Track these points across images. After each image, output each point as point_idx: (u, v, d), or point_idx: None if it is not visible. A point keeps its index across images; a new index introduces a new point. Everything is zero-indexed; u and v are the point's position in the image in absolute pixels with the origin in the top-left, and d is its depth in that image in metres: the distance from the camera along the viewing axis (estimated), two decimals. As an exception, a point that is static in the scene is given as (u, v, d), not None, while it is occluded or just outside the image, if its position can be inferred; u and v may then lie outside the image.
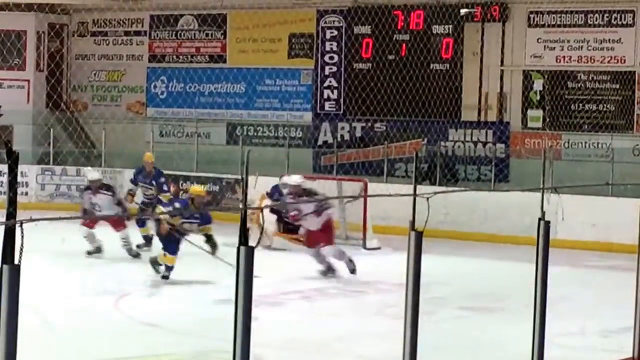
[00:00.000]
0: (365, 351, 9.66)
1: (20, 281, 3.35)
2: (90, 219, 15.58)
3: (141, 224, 16.37)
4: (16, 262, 3.31)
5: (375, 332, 10.32)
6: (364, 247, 17.06)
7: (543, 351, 5.88)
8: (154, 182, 16.59)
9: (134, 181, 17.03)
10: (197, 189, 14.67)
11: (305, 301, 12.54)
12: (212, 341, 9.49)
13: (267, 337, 8.55)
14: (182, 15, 24.69)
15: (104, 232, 15.21)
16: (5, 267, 3.29)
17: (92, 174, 16.38)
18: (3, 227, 3.37)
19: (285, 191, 16.05)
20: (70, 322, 10.59)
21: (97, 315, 11.00)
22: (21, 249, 3.30)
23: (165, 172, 21.63)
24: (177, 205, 14.45)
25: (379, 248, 17.07)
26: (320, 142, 23.01)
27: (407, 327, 5.12)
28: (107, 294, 12.21)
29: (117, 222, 15.23)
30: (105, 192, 15.71)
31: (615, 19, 20.78)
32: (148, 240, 15.93)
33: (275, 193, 16.91)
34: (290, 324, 10.94)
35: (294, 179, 15.17)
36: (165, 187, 16.65)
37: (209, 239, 13.45)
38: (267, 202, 16.60)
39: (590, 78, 21.21)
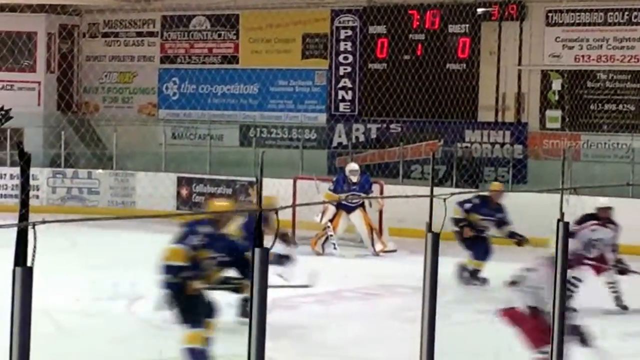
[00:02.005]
0: (381, 355, 9.59)
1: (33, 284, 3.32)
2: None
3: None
4: (29, 264, 3.26)
5: (391, 335, 10.25)
6: (373, 252, 16.85)
7: (562, 355, 5.72)
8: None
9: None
10: (496, 184, 14.78)
11: (320, 304, 12.43)
12: (226, 345, 9.37)
13: (282, 341, 8.44)
14: (194, 16, 24.55)
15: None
16: (18, 270, 3.25)
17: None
18: (15, 229, 3.30)
19: (354, 179, 16.81)
20: (84, 325, 10.57)
21: (111, 319, 10.96)
22: (34, 251, 3.25)
23: (177, 174, 21.63)
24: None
25: (395, 250, 16.93)
26: (334, 144, 22.86)
27: (424, 331, 5.01)
28: (120, 297, 12.14)
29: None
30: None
31: (636, 17, 20.55)
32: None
33: (339, 185, 16.91)
34: (305, 328, 10.86)
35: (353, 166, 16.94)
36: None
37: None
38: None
39: (610, 77, 21.02)
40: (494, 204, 14.15)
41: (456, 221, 13.81)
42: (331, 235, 16.67)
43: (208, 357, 8.64)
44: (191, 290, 8.58)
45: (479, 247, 13.97)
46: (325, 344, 10.05)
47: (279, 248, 10.62)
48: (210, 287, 8.69)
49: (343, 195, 16.67)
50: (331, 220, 16.77)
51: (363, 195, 16.79)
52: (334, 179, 17.41)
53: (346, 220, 16.89)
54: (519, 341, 9.67)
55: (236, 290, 9.11)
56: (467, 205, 14.00)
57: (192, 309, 8.61)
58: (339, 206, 16.83)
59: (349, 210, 16.92)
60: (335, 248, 16.50)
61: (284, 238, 11.90)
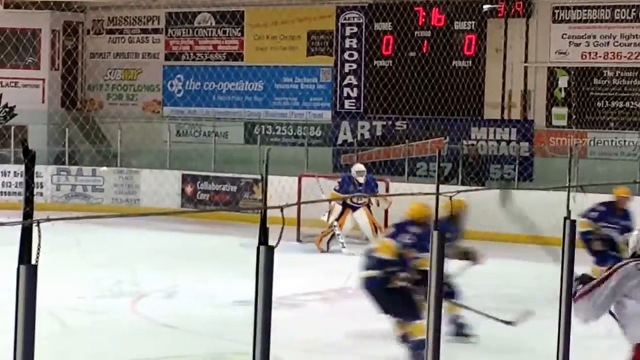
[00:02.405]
0: (387, 353, 9.53)
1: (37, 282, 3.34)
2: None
3: None
4: (33, 262, 3.27)
5: (391, 331, 10.08)
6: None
7: (569, 353, 5.69)
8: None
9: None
10: (622, 190, 13.30)
11: (325, 302, 12.41)
12: (230, 343, 9.42)
13: (286, 339, 8.42)
14: (198, 13, 24.49)
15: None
16: (22, 267, 3.27)
17: None
18: (19, 227, 3.31)
19: (361, 180, 16.72)
20: (87, 323, 10.52)
21: (114, 317, 10.90)
22: (38, 249, 3.28)
23: (182, 172, 21.58)
24: None
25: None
26: (340, 141, 22.79)
27: (430, 328, 4.96)
28: (123, 295, 12.11)
29: None
30: None
31: (643, 13, 20.48)
32: None
33: (344, 185, 16.84)
34: (309, 326, 10.81)
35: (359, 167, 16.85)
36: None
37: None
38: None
39: (616, 74, 20.94)
40: (620, 211, 13.20)
41: (584, 235, 12.57)
42: (338, 234, 16.62)
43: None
44: (393, 285, 9.12)
45: (610, 259, 12.22)
46: (329, 342, 10.00)
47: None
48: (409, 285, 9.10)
49: (349, 195, 16.63)
50: (337, 219, 16.73)
51: (366, 195, 16.76)
52: (339, 179, 17.33)
53: (352, 218, 16.84)
54: (526, 339, 9.65)
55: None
56: (593, 214, 12.95)
57: (396, 302, 9.16)
58: (345, 205, 16.77)
59: (355, 209, 16.88)
60: (343, 247, 16.44)
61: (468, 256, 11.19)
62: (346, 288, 13.25)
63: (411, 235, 9.20)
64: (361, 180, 16.82)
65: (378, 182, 17.85)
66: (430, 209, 9.88)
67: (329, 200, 16.67)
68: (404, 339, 9.10)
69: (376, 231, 16.85)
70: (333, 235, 16.74)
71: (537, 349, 8.69)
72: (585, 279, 5.19)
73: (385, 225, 17.29)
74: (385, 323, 10.89)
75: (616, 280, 5.04)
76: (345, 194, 16.63)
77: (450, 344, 8.82)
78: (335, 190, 17.01)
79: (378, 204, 16.97)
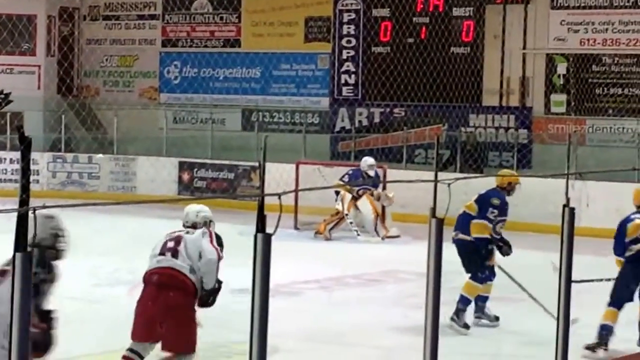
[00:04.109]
0: (385, 342, 9.52)
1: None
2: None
3: None
4: (29, 249, 3.26)
5: (394, 322, 10.15)
6: (376, 237, 16.77)
7: (567, 341, 5.66)
8: None
9: None
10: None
11: (323, 291, 12.37)
12: (228, 331, 9.37)
13: (284, 328, 8.39)
14: (195, -1, 24.42)
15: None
16: (18, 255, 3.26)
17: None
18: (15, 215, 3.31)
19: (371, 172, 16.69)
20: (83, 312, 10.43)
21: (111, 305, 10.83)
22: (34, 237, 3.27)
23: (179, 159, 21.49)
24: None
25: (398, 236, 16.83)
26: (338, 128, 22.75)
27: (428, 317, 4.94)
28: (120, 283, 12.04)
29: None
30: None
31: (642, -1, 20.43)
32: None
33: (353, 179, 16.79)
34: (307, 314, 10.78)
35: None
36: None
37: None
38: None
39: (615, 61, 20.91)
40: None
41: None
42: (351, 223, 16.61)
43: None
44: (492, 262, 9.81)
45: None
46: (328, 330, 9.96)
47: None
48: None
49: (356, 188, 16.65)
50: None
51: (372, 189, 16.78)
52: (350, 171, 17.24)
53: (355, 207, 16.84)
54: (524, 327, 9.60)
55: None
56: None
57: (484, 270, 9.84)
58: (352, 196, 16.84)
59: (357, 198, 16.90)
60: (358, 234, 16.45)
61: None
62: (344, 276, 13.24)
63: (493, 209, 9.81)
64: (371, 173, 16.81)
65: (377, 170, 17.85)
66: None
67: (328, 188, 16.61)
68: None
69: (376, 219, 16.82)
70: (337, 223, 16.74)
71: (534, 338, 8.64)
72: None
73: (383, 212, 17.24)
74: (385, 312, 10.84)
75: None
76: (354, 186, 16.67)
77: (449, 339, 8.76)
78: (342, 180, 16.98)
79: (379, 198, 16.93)
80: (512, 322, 10.34)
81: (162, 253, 7.57)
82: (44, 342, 5.53)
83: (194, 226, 7.70)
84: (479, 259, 10.00)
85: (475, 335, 9.81)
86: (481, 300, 10.18)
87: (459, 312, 9.83)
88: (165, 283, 7.44)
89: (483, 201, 10.13)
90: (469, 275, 10.00)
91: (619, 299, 9.38)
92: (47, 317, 5.56)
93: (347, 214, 16.63)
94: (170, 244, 7.56)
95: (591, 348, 9.05)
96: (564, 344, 5.75)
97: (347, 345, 9.55)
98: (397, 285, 12.77)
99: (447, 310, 9.57)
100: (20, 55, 24.50)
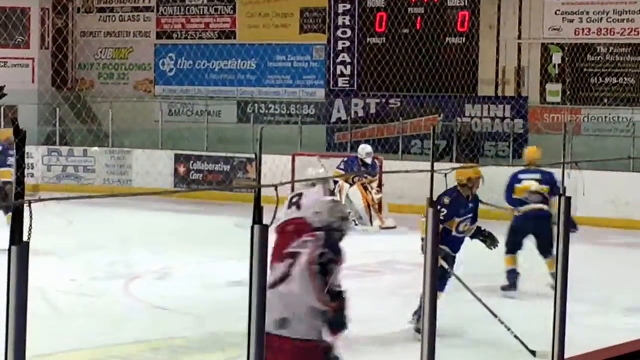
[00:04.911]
0: (382, 333, 9.51)
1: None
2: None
3: None
4: (25, 242, 3.20)
5: (391, 313, 10.13)
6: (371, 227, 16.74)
7: (564, 331, 5.63)
8: None
9: None
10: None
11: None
12: (225, 324, 9.30)
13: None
14: (190, -10, 24.35)
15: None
16: (14, 248, 3.20)
17: None
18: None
19: (369, 161, 16.61)
20: (80, 306, 10.43)
21: (107, 299, 10.81)
22: (30, 230, 3.20)
23: (175, 152, 21.46)
24: None
25: (394, 227, 16.81)
26: (334, 119, 22.72)
27: (425, 308, 4.88)
28: (117, 277, 12.00)
29: None
30: None
31: (637, -11, 20.41)
32: None
33: (350, 167, 16.71)
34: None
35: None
36: None
37: None
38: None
39: (610, 51, 20.88)
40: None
41: None
42: (349, 212, 16.52)
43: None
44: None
45: None
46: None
47: None
48: None
49: (352, 176, 16.60)
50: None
51: (370, 177, 16.73)
52: (345, 159, 17.21)
53: (347, 197, 16.82)
54: (521, 317, 9.59)
55: None
56: None
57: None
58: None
59: (351, 185, 16.87)
60: (356, 224, 16.42)
61: None
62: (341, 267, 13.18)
63: None
64: (369, 161, 16.75)
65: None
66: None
67: (328, 179, 16.56)
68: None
69: (369, 209, 16.79)
70: None
71: (531, 328, 8.63)
72: None
73: (380, 203, 17.22)
74: (381, 303, 10.82)
75: None
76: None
77: (446, 330, 8.74)
78: (339, 169, 16.95)
79: (370, 189, 16.89)
80: (510, 312, 10.29)
81: None
82: (337, 322, 5.76)
83: None
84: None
85: (473, 326, 9.70)
86: None
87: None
88: None
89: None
90: None
91: (512, 248, 11.42)
92: (338, 297, 5.73)
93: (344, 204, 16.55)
94: None
95: (505, 289, 11.27)
96: (561, 334, 5.73)
97: (344, 336, 9.50)
98: (394, 276, 12.74)
99: (443, 301, 9.54)
100: (14, 49, 24.42)
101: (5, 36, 23.89)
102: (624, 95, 20.79)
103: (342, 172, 16.83)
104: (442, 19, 21.52)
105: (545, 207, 11.42)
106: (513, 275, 11.36)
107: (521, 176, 11.64)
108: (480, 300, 9.43)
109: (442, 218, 9.43)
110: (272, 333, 5.24)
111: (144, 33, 24.94)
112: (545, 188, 11.48)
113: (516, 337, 8.89)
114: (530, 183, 11.52)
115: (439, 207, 9.49)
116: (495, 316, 9.26)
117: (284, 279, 5.60)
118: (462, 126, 20.82)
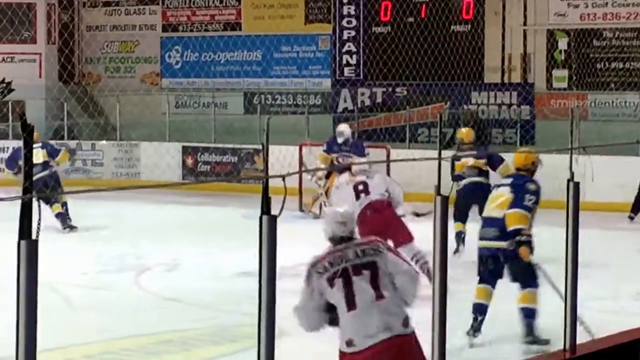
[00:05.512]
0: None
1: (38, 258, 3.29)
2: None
3: None
4: (33, 237, 3.23)
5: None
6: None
7: (576, 316, 5.65)
8: None
9: None
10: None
11: (329, 272, 12.23)
12: (235, 315, 9.35)
13: (291, 310, 8.34)
14: (195, -18, 24.35)
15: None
16: (23, 243, 3.22)
17: None
18: (19, 202, 3.28)
19: (340, 140, 16.01)
20: (90, 299, 10.45)
21: (117, 292, 10.83)
22: (38, 224, 3.22)
23: (182, 144, 21.49)
24: None
25: (403, 216, 16.70)
26: (340, 109, 22.68)
27: (435, 295, 4.91)
28: (126, 269, 12.03)
29: None
30: None
31: (642, -27, 20.36)
32: None
33: (330, 145, 16.32)
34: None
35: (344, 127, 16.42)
36: None
37: None
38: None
39: (616, 35, 20.83)
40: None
41: None
42: (324, 202, 16.17)
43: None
44: (524, 255, 8.52)
45: None
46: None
47: None
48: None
49: (334, 155, 16.10)
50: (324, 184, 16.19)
51: (354, 157, 16.05)
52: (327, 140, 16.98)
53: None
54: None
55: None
56: None
57: (527, 270, 8.60)
58: (332, 167, 16.23)
59: (341, 171, 16.43)
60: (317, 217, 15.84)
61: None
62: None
63: (530, 195, 8.72)
64: (340, 140, 15.95)
65: (380, 150, 17.72)
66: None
67: (332, 169, 16.47)
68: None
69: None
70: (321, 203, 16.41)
71: (542, 314, 8.63)
72: None
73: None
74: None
75: None
76: (332, 155, 16.07)
77: (456, 317, 8.71)
78: (323, 151, 16.52)
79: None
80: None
81: None
82: None
83: None
84: None
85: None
86: None
87: None
88: None
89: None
90: None
91: (459, 217, 12.69)
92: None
93: (322, 193, 16.09)
94: None
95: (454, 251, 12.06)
96: (573, 319, 5.74)
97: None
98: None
99: (452, 289, 9.52)
100: (21, 44, 24.45)
101: (12, 31, 23.89)
102: (630, 79, 20.75)
103: (325, 154, 16.29)
104: (446, 6, 21.49)
105: (481, 178, 12.89)
106: (462, 237, 12.62)
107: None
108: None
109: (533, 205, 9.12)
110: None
111: (149, 26, 24.95)
112: (480, 162, 12.96)
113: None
114: (467, 159, 13.08)
115: (534, 196, 9.11)
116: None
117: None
118: (465, 113, 20.81)
